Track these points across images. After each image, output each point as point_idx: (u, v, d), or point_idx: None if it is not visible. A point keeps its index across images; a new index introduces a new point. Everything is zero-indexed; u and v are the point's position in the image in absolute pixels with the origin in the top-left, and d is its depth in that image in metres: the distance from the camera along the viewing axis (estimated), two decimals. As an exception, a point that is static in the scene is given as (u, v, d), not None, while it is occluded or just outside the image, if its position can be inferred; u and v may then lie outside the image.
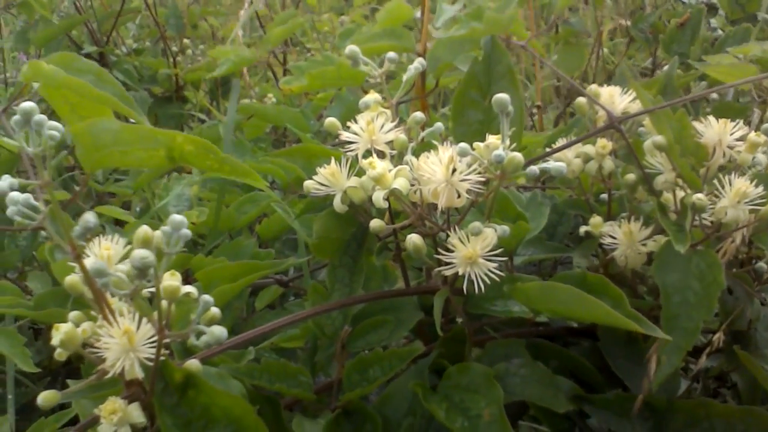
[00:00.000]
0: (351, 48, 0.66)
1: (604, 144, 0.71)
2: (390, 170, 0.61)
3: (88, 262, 0.51)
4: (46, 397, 0.53)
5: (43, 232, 1.00)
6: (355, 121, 0.65)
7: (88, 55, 1.53)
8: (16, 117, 0.48)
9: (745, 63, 0.75)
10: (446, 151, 0.60)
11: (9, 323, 0.85)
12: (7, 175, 0.48)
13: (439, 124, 0.65)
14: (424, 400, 0.61)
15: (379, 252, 0.68)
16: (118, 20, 1.52)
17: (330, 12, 1.65)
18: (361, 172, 0.64)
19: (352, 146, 0.65)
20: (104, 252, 0.55)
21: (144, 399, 0.54)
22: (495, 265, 0.58)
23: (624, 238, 0.69)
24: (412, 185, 0.62)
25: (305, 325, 0.73)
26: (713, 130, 0.67)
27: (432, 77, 0.83)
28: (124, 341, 0.50)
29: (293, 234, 1.02)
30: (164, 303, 0.52)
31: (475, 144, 0.59)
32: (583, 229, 0.74)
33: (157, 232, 0.53)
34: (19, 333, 0.78)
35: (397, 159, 0.65)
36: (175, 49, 1.65)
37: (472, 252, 0.58)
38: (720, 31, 1.09)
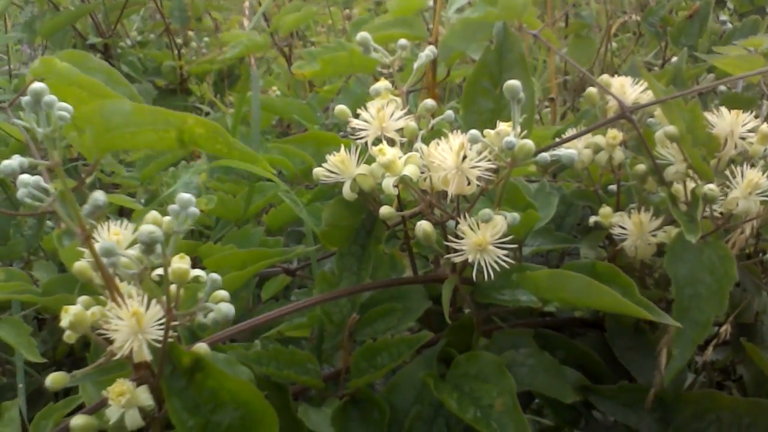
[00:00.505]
0: (362, 35, 0.66)
1: (614, 134, 0.71)
2: (400, 157, 0.61)
3: (98, 243, 0.51)
4: (54, 379, 0.53)
5: (49, 222, 1.01)
6: (365, 109, 0.65)
7: (93, 46, 1.53)
8: (27, 98, 0.48)
9: (753, 55, 0.74)
10: (456, 139, 0.59)
11: (14, 313, 0.85)
12: (17, 155, 0.48)
13: (449, 112, 0.65)
14: (435, 390, 0.61)
15: (387, 240, 0.67)
16: (124, 12, 1.52)
17: (334, 6, 1.65)
18: (370, 160, 0.64)
19: (362, 133, 0.65)
20: (113, 236, 0.55)
21: (152, 382, 0.54)
22: (505, 252, 0.58)
23: (634, 228, 0.69)
24: (422, 173, 0.62)
25: (312, 313, 0.73)
26: (725, 121, 0.67)
27: (443, 66, 0.83)
28: (132, 323, 0.50)
29: (298, 226, 1.02)
30: (173, 286, 0.51)
31: (486, 131, 0.59)
32: (592, 219, 0.74)
33: (166, 217, 0.53)
34: (24, 323, 0.78)
35: (407, 147, 0.65)
36: (179, 41, 1.65)
37: (482, 239, 0.58)
38: (729, 24, 1.09)
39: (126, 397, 0.51)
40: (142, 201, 1.04)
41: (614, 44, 1.39)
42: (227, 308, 0.52)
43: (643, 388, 0.71)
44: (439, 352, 0.68)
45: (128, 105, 0.50)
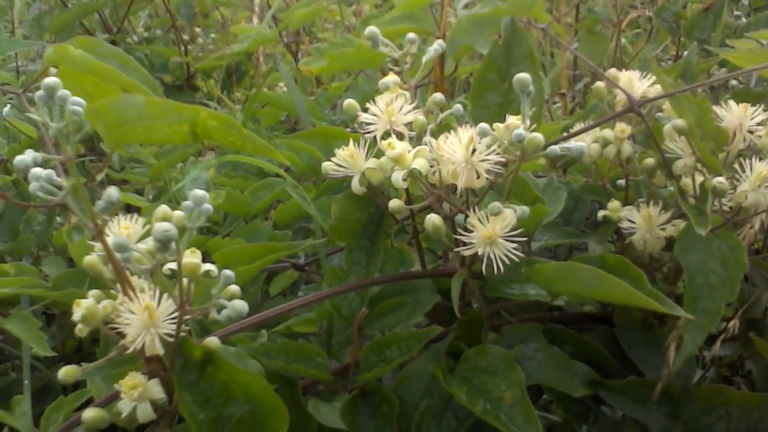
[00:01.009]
0: (371, 29, 0.66)
1: (623, 128, 0.71)
2: (409, 151, 0.61)
3: (110, 238, 0.52)
4: (66, 372, 0.53)
5: (58, 218, 1.01)
6: (374, 103, 0.65)
7: (100, 43, 1.53)
8: (40, 92, 0.48)
9: (766, 48, 0.74)
10: (466, 132, 0.59)
11: (24, 308, 0.85)
12: (30, 150, 0.48)
13: (458, 106, 0.65)
14: (444, 383, 0.61)
15: (396, 234, 0.68)
16: (131, 8, 1.52)
17: (341, 2, 1.65)
18: (379, 154, 0.64)
19: (371, 128, 0.65)
20: (123, 231, 0.55)
21: (163, 376, 0.54)
22: (514, 245, 0.58)
23: (643, 222, 0.69)
24: (431, 166, 0.62)
25: (321, 308, 0.73)
26: (734, 115, 0.67)
27: (451, 61, 0.83)
28: (144, 317, 0.50)
29: (306, 222, 1.02)
30: (185, 280, 0.52)
31: (495, 125, 0.59)
32: (601, 213, 0.74)
33: (177, 212, 0.54)
34: (34, 318, 0.79)
35: (416, 141, 0.65)
36: (186, 37, 1.65)
37: (492, 232, 0.58)
38: (743, 19, 1.08)
39: (138, 391, 0.51)
40: (150, 198, 1.05)
41: (624, 40, 1.39)
42: (241, 305, 0.52)
43: (652, 382, 0.71)
44: (447, 346, 0.68)
45: (141, 99, 0.50)
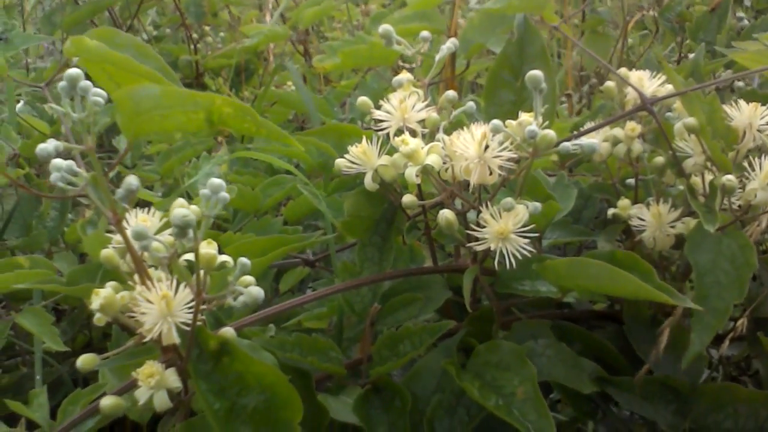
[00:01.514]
0: (385, 27, 0.67)
1: (633, 127, 0.71)
2: (422, 147, 0.61)
3: (128, 229, 0.52)
4: (84, 360, 0.54)
5: (69, 215, 1.02)
6: (387, 101, 0.66)
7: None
8: (62, 83, 0.49)
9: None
10: (479, 129, 0.60)
11: (36, 303, 0.86)
12: (52, 139, 0.49)
13: (471, 103, 0.66)
14: (456, 378, 0.62)
15: (408, 231, 0.68)
16: (141, 6, 1.53)
17: (350, 1, 1.65)
18: (392, 151, 0.65)
19: (384, 125, 0.66)
20: (141, 222, 0.56)
21: (179, 365, 0.55)
22: (526, 241, 0.59)
23: (653, 219, 0.69)
24: (444, 163, 0.62)
25: (332, 303, 0.74)
26: (744, 114, 0.67)
27: (463, 59, 0.83)
28: (162, 306, 0.51)
29: (315, 219, 1.03)
30: (201, 270, 0.52)
31: (508, 122, 0.60)
32: (611, 211, 0.74)
33: (193, 206, 0.54)
34: (46, 312, 0.79)
35: (429, 138, 0.65)
36: (195, 36, 1.66)
37: (504, 227, 0.58)
38: (745, 21, 1.09)
39: (156, 379, 0.52)
40: (160, 194, 1.06)
41: (630, 40, 1.40)
42: (257, 291, 0.53)
43: (660, 380, 0.71)
44: (458, 341, 0.68)
45: (157, 88, 0.50)
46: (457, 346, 0.68)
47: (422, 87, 0.68)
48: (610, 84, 0.73)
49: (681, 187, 0.71)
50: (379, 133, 0.66)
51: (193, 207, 0.54)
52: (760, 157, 0.65)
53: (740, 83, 0.88)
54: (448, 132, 0.65)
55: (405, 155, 0.61)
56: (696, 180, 0.70)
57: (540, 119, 0.58)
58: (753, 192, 0.64)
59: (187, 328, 0.52)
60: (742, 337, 0.77)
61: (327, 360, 0.65)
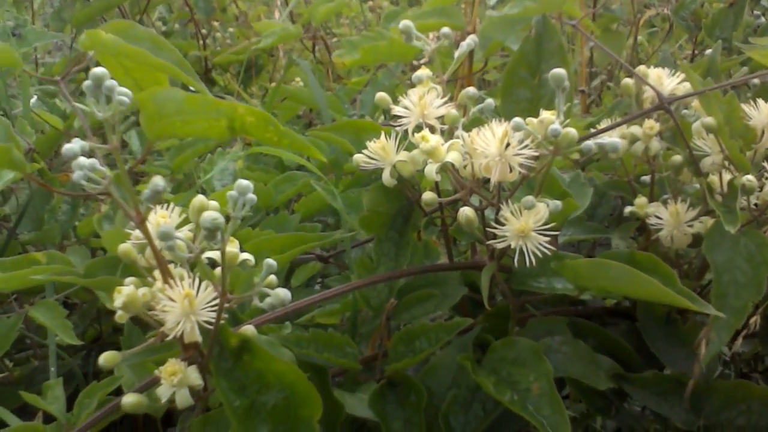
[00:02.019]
0: (405, 23, 0.67)
1: (651, 125, 0.71)
2: (442, 144, 0.61)
3: (151, 226, 0.52)
4: (107, 358, 0.54)
5: (81, 210, 1.02)
6: (406, 96, 0.66)
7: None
8: (87, 82, 0.49)
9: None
10: (499, 127, 0.60)
11: (49, 296, 0.86)
12: (77, 138, 0.49)
13: (490, 101, 0.66)
14: (473, 373, 0.62)
15: (425, 227, 0.68)
16: (151, 1, 1.53)
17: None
18: (410, 147, 0.65)
19: (403, 120, 0.66)
20: (161, 220, 0.56)
21: (200, 363, 0.55)
22: (546, 239, 0.59)
23: (670, 218, 0.69)
24: (463, 160, 0.62)
25: (345, 300, 0.74)
26: (762, 113, 0.67)
27: (481, 56, 0.83)
28: (185, 304, 0.51)
29: (324, 216, 1.03)
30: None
31: (528, 119, 0.60)
32: (628, 209, 0.74)
33: (212, 202, 0.54)
34: (60, 306, 0.79)
35: (448, 135, 0.65)
36: (204, 31, 1.65)
37: (525, 225, 0.58)
38: (762, 18, 1.09)
39: (178, 377, 0.52)
40: (168, 190, 1.06)
41: (640, 38, 1.40)
42: (284, 293, 0.53)
43: (675, 377, 0.72)
44: (474, 337, 0.68)
45: (181, 93, 0.50)
46: (473, 342, 0.68)
47: (441, 83, 0.68)
48: (628, 81, 0.73)
49: (697, 186, 0.71)
50: (398, 128, 0.66)
51: (212, 203, 0.54)
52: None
53: (756, 81, 0.88)
54: (467, 128, 0.65)
55: (425, 152, 0.61)
56: (713, 179, 0.70)
57: (562, 117, 0.58)
58: (772, 191, 0.64)
59: (210, 327, 0.52)
60: (754, 334, 0.77)
61: (343, 356, 0.65)
